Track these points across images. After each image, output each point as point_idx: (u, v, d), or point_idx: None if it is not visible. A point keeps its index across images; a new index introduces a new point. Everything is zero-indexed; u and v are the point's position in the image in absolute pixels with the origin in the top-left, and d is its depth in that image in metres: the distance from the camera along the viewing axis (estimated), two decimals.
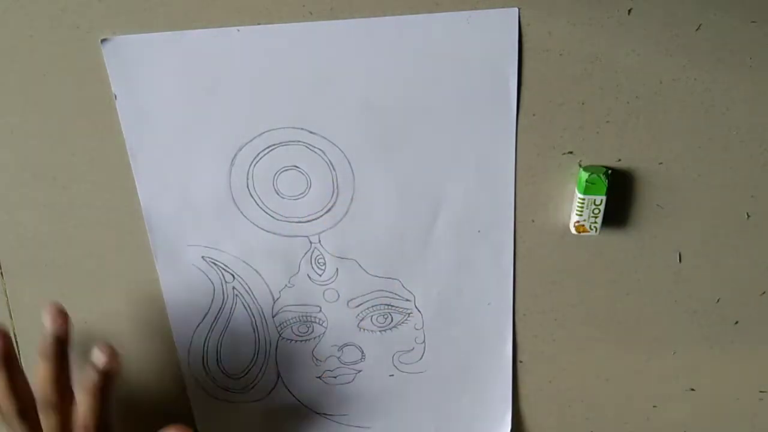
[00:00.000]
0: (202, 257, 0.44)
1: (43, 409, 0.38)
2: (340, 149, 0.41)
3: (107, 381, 0.38)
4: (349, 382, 0.47)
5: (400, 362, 0.46)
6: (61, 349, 0.38)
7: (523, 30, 0.37)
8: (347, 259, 0.43)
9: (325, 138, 0.40)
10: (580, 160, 0.40)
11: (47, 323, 0.38)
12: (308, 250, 0.43)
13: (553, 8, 0.37)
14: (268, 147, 0.41)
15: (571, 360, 0.47)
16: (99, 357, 0.37)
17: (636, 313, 0.45)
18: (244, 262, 0.44)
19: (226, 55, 0.38)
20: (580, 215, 0.41)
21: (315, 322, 0.45)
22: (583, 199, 0.40)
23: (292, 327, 0.46)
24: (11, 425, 0.38)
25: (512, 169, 0.41)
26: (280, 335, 0.46)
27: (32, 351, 0.47)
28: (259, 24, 0.38)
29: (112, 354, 0.37)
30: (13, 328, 0.46)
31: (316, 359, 0.46)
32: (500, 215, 0.42)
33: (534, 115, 0.39)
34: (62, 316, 0.38)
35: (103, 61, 0.39)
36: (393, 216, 0.42)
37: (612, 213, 0.41)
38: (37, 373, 0.38)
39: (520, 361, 0.47)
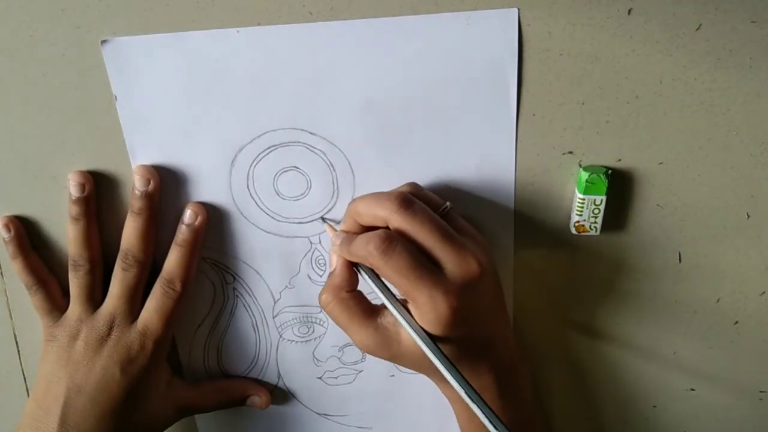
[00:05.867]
0: (203, 258, 0.44)
1: (126, 262, 0.41)
2: (340, 150, 0.41)
3: (195, 236, 0.41)
4: (349, 383, 0.47)
5: None
6: (150, 205, 0.40)
7: (523, 30, 0.37)
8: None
9: (325, 139, 0.40)
10: (580, 160, 0.40)
11: (137, 180, 0.40)
12: (309, 251, 0.43)
13: (553, 8, 0.37)
14: (268, 148, 0.41)
15: (570, 360, 0.47)
16: (189, 215, 0.41)
17: (636, 313, 0.45)
18: (244, 263, 0.44)
19: (226, 55, 0.38)
20: (580, 215, 0.41)
21: (315, 323, 0.45)
22: (583, 199, 0.40)
23: (292, 328, 0.46)
24: (76, 277, 0.42)
25: (512, 169, 0.41)
26: (280, 336, 0.46)
27: (33, 351, 0.47)
28: (259, 24, 0.38)
29: (201, 212, 0.41)
30: (13, 328, 0.46)
31: (317, 360, 0.46)
32: (500, 215, 0.42)
33: (534, 115, 0.39)
34: (150, 174, 0.40)
35: (103, 62, 0.39)
36: None
37: (612, 213, 0.42)
38: (126, 229, 0.41)
39: None
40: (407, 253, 0.34)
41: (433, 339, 0.34)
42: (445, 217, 0.37)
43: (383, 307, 0.37)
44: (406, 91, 0.39)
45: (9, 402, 0.49)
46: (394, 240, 0.34)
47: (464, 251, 0.35)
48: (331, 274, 0.38)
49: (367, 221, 0.37)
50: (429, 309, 0.34)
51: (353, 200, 0.37)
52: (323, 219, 0.42)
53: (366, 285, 0.37)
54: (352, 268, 0.38)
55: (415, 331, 0.34)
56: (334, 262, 0.38)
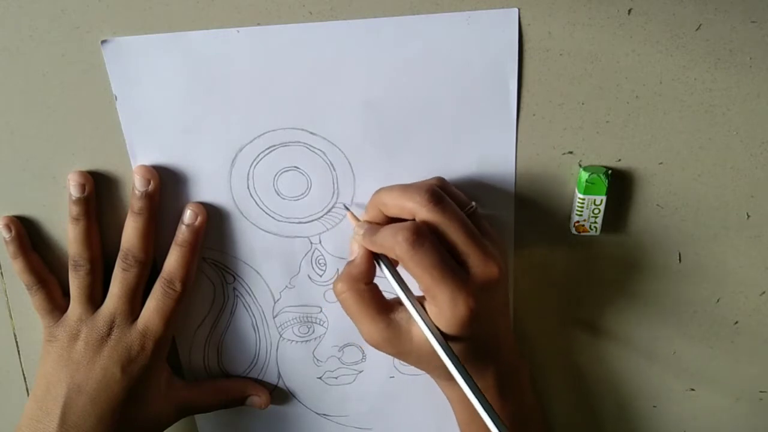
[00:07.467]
0: (203, 258, 0.44)
1: (126, 262, 0.41)
2: (340, 149, 0.41)
3: (195, 236, 0.41)
4: (349, 383, 0.47)
5: (401, 364, 0.46)
6: (150, 205, 0.40)
7: (523, 30, 0.37)
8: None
9: (326, 138, 0.40)
10: (580, 160, 0.40)
11: (137, 181, 0.40)
12: (309, 251, 0.43)
13: (553, 8, 0.37)
14: (268, 148, 0.41)
15: (571, 360, 0.47)
16: (189, 215, 0.41)
17: (636, 313, 0.45)
18: (244, 262, 0.44)
19: (226, 55, 0.38)
20: (580, 215, 0.41)
21: (316, 323, 0.45)
22: (583, 199, 0.40)
23: (292, 327, 0.46)
24: (77, 277, 0.41)
25: (512, 169, 0.41)
26: (280, 336, 0.46)
27: (33, 351, 0.47)
28: (259, 24, 0.38)
29: (201, 212, 0.41)
30: (13, 328, 0.46)
31: (317, 360, 0.46)
32: (500, 215, 0.42)
33: (534, 115, 0.39)
34: (150, 174, 0.40)
35: (103, 62, 0.39)
36: None
37: (612, 213, 0.42)
38: (126, 229, 0.41)
39: None
40: (435, 249, 0.34)
41: (446, 338, 0.34)
42: (470, 216, 0.37)
43: (396, 302, 0.37)
44: (406, 91, 0.39)
45: (9, 402, 0.49)
46: (424, 234, 0.34)
47: (488, 254, 0.35)
48: (349, 263, 0.38)
49: (393, 212, 0.36)
50: (448, 308, 0.34)
51: (379, 190, 0.37)
52: (345, 206, 0.42)
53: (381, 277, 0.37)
54: (373, 259, 0.37)
55: (429, 329, 0.34)
56: (354, 251, 0.38)
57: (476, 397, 0.32)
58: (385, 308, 0.37)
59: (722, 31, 0.37)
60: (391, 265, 0.37)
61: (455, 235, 0.34)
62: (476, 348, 0.36)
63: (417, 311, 0.35)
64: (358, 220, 0.39)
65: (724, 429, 0.49)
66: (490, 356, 0.38)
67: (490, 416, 0.31)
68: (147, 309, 0.42)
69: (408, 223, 0.35)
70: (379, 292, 0.38)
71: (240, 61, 0.39)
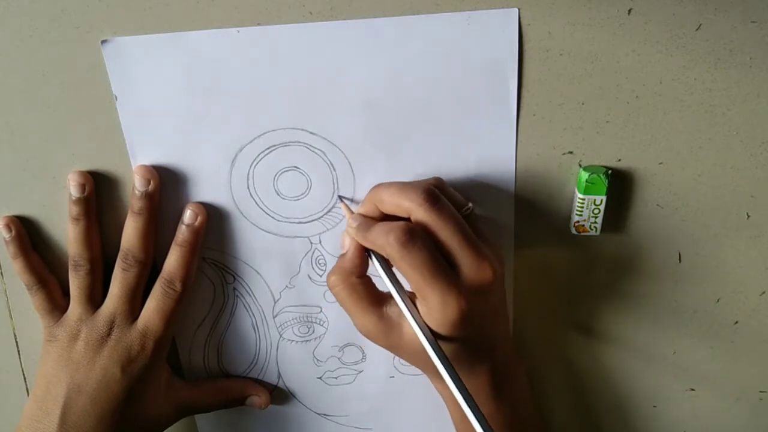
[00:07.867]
0: (203, 258, 0.44)
1: (126, 262, 0.41)
2: (340, 149, 0.41)
3: (195, 236, 0.41)
4: (349, 383, 0.47)
5: (401, 364, 0.46)
6: (150, 205, 0.40)
7: (523, 30, 0.37)
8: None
9: (325, 138, 0.40)
10: (580, 160, 0.40)
11: (137, 181, 0.40)
12: (309, 251, 0.43)
13: (553, 8, 0.37)
14: (268, 148, 0.41)
15: (570, 360, 0.47)
16: (189, 215, 0.41)
17: (636, 313, 0.45)
18: (244, 262, 0.44)
19: (226, 55, 0.38)
20: (580, 215, 0.41)
21: (316, 323, 0.45)
22: (583, 199, 0.40)
23: (292, 327, 0.46)
24: (77, 277, 0.42)
25: (512, 169, 0.41)
26: (280, 336, 0.46)
27: (33, 351, 0.47)
28: (259, 24, 0.38)
29: (201, 212, 0.41)
30: (13, 328, 0.46)
31: (317, 360, 0.46)
32: (500, 215, 0.42)
33: (534, 115, 0.39)
34: (150, 174, 0.40)
35: (103, 62, 0.39)
36: None
37: (612, 213, 0.42)
38: (126, 229, 0.41)
39: None
40: (426, 250, 0.34)
41: (435, 337, 0.34)
42: (466, 218, 0.37)
43: (389, 295, 0.37)
44: (406, 91, 0.39)
45: (9, 402, 0.49)
46: (416, 235, 0.34)
47: (482, 257, 0.34)
48: (342, 256, 0.38)
49: (389, 210, 0.36)
50: (438, 309, 0.34)
51: (377, 186, 0.37)
52: (341, 197, 0.42)
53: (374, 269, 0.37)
54: (365, 253, 0.37)
55: (419, 326, 0.34)
56: (346, 244, 0.38)
57: (461, 394, 0.32)
58: (377, 301, 0.37)
59: (722, 31, 0.37)
60: (383, 260, 0.37)
61: (449, 236, 0.34)
62: (468, 349, 0.36)
63: (407, 308, 0.35)
64: (351, 212, 0.39)
65: (724, 429, 0.49)
66: (484, 357, 0.38)
67: (476, 417, 0.31)
68: (147, 309, 0.42)
69: (401, 223, 0.35)
70: (372, 284, 0.38)
71: (240, 61, 0.39)
